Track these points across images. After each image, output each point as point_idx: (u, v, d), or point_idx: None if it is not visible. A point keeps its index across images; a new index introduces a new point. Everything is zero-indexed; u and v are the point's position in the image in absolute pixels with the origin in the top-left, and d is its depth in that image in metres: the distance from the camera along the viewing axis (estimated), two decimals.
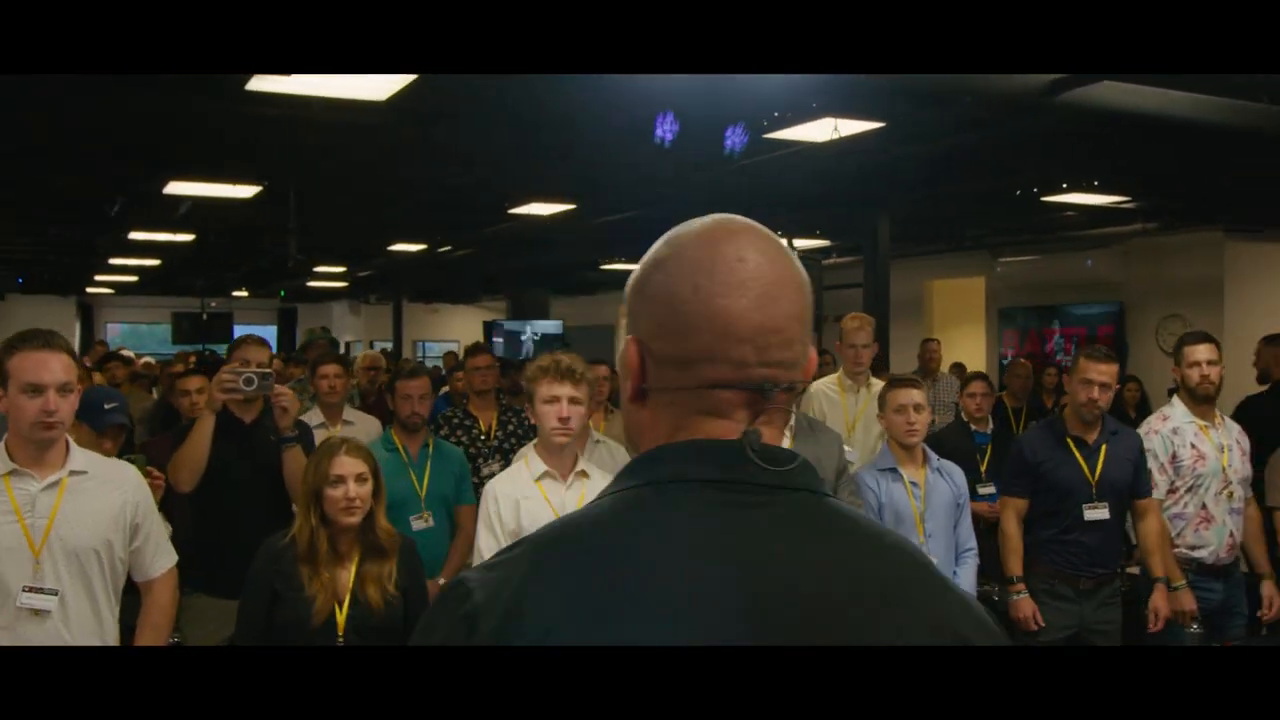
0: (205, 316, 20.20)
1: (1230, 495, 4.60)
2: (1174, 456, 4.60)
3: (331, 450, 3.21)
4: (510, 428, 5.71)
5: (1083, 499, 4.35)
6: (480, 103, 5.37)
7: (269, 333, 22.17)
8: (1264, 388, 6.52)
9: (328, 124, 5.49)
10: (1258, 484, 4.83)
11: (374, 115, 5.19)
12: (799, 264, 1.08)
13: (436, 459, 4.83)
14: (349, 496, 3.14)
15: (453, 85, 4.72)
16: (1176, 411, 4.70)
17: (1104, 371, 4.39)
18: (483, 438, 5.63)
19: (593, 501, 1.04)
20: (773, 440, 1.04)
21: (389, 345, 18.09)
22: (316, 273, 16.15)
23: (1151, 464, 4.57)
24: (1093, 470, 4.38)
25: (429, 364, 13.93)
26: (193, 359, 9.25)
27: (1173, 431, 4.64)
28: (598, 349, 6.79)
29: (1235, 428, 4.81)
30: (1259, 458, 4.89)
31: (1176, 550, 4.54)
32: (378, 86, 4.81)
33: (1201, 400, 4.63)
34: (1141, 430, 4.75)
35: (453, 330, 21.84)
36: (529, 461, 3.65)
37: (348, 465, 3.16)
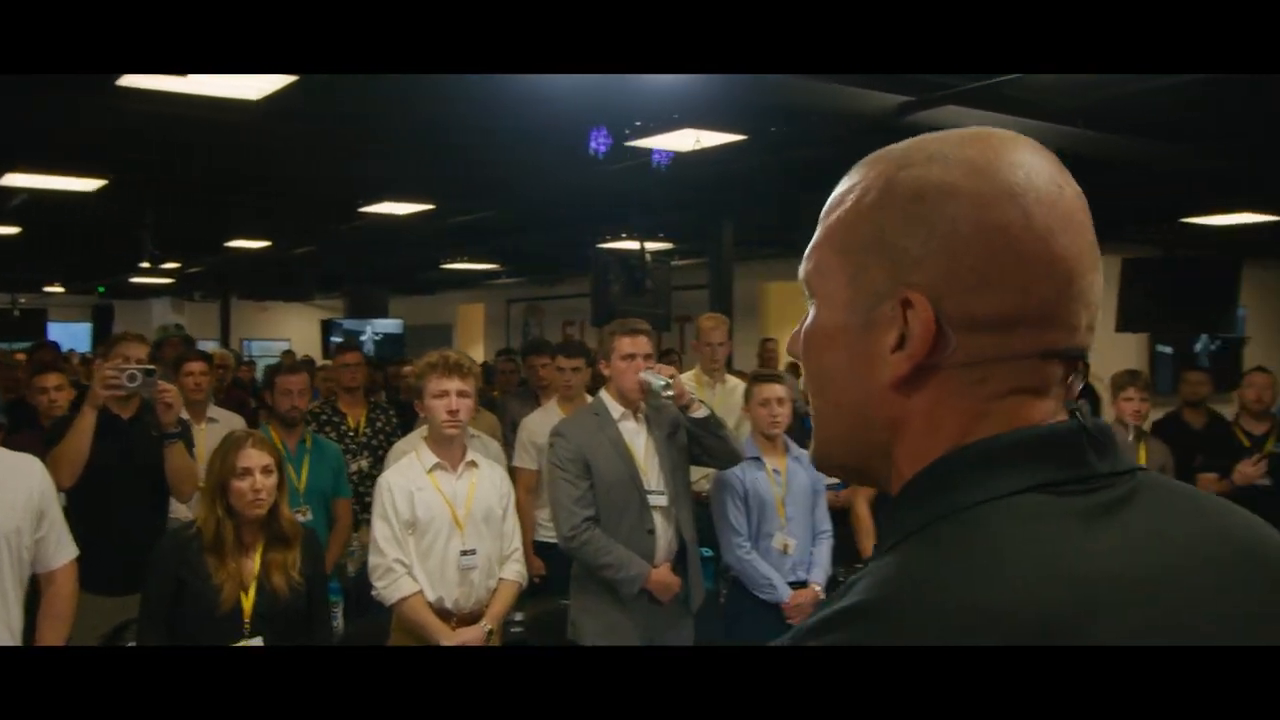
0: (17, 314, 19.19)
1: None
2: None
3: (238, 443, 3.31)
4: (379, 424, 5.82)
5: None
6: (341, 101, 5.46)
7: (83, 330, 21.22)
8: None
9: (190, 120, 5.48)
10: None
11: (240, 114, 5.21)
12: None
13: (315, 454, 4.92)
14: (255, 488, 3.25)
15: (322, 85, 4.80)
16: None
17: None
18: (351, 434, 5.73)
19: (883, 559, 0.73)
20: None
21: (215, 343, 17.60)
22: (140, 268, 15.60)
23: None
24: None
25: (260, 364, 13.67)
26: (20, 355, 8.92)
27: None
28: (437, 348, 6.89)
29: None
30: None
31: None
32: (250, 86, 4.85)
33: None
34: None
35: (286, 329, 21.37)
36: (420, 454, 3.81)
37: (254, 458, 3.27)
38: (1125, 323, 8.90)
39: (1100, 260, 0.80)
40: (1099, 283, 0.79)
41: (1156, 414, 6.27)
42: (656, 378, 3.89)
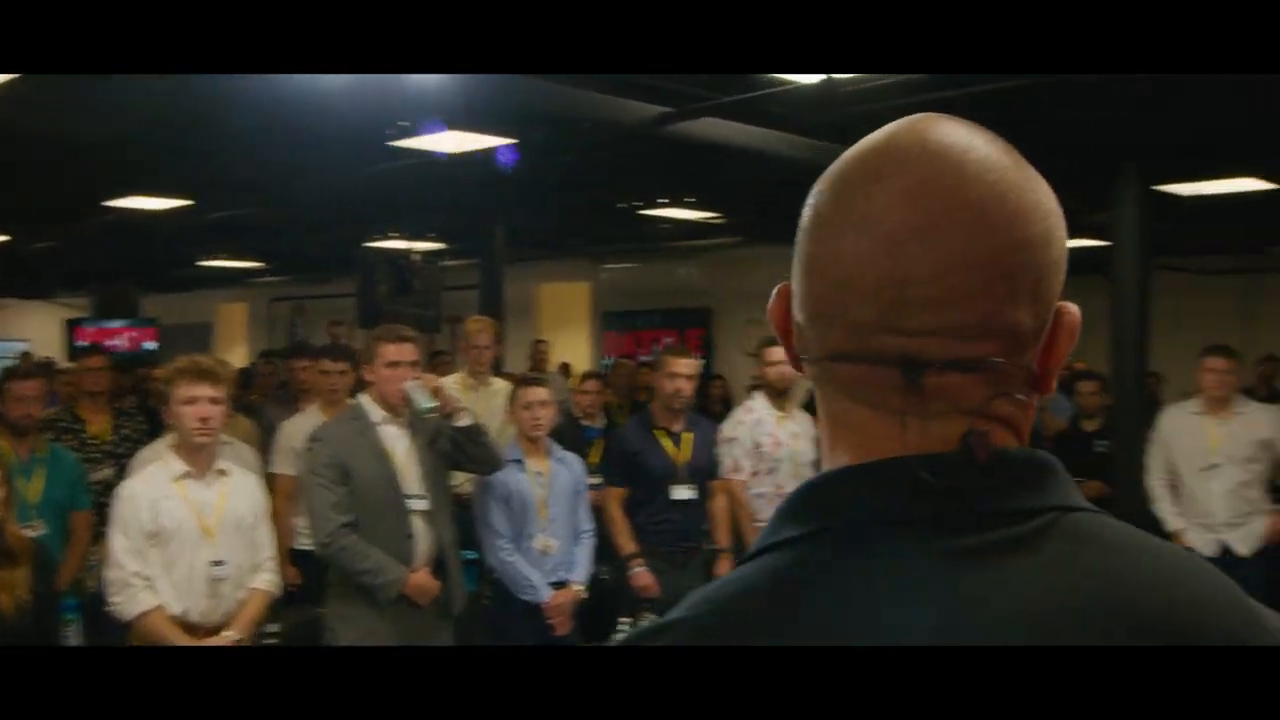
0: None
1: (800, 475, 5.37)
2: (756, 444, 5.30)
3: None
4: (126, 431, 5.52)
5: (671, 481, 4.94)
6: (78, 94, 5.17)
7: None
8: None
9: None
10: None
11: None
12: (1007, 186, 0.71)
13: (51, 464, 4.63)
14: None
15: (60, 80, 4.54)
16: (758, 405, 5.41)
17: (686, 365, 4.99)
18: (93, 441, 5.41)
19: (747, 562, 0.73)
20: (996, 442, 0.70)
21: None
22: None
23: (738, 451, 5.24)
24: (680, 455, 4.98)
25: None
26: None
27: (756, 422, 5.34)
28: (195, 349, 6.62)
29: (806, 417, 5.61)
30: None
31: (757, 524, 5.23)
32: None
33: (779, 394, 5.38)
34: (730, 421, 5.44)
35: (25, 329, 19.89)
36: (167, 461, 3.65)
37: None
38: None
39: (980, 260, 0.69)
40: (954, 282, 0.69)
41: None
42: (422, 398, 3.87)
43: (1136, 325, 5.80)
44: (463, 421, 4.02)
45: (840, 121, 5.40)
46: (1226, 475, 5.25)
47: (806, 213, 0.75)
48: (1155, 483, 5.51)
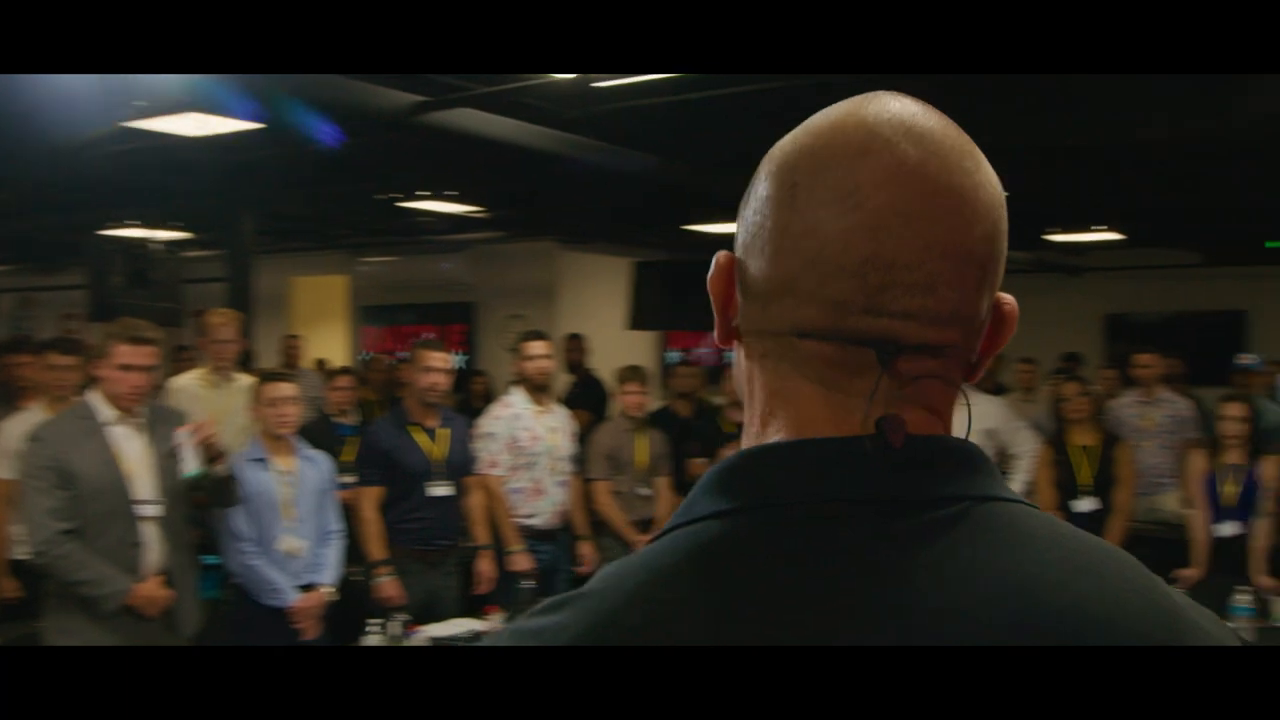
0: None
1: (557, 470, 5.40)
2: (514, 439, 5.28)
3: None
4: None
5: (427, 478, 4.85)
6: None
7: None
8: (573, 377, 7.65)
9: None
10: (579, 459, 5.71)
11: None
12: (982, 179, 0.72)
13: None
14: None
15: None
16: (517, 399, 5.39)
17: (439, 359, 4.91)
18: None
19: (660, 538, 0.71)
20: (923, 430, 0.70)
21: None
22: None
23: (495, 446, 5.20)
24: (436, 451, 4.90)
25: None
26: None
27: (514, 417, 5.32)
28: None
29: (564, 412, 5.64)
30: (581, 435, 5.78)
31: (515, 519, 5.21)
32: None
33: (537, 389, 5.37)
34: (487, 416, 5.40)
35: None
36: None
37: None
38: (635, 321, 9.58)
39: (956, 249, 0.69)
40: (936, 268, 0.68)
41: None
42: (190, 458, 3.70)
43: None
44: (222, 472, 3.88)
45: (596, 116, 5.46)
46: None
47: (772, 183, 0.72)
48: None
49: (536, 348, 5.37)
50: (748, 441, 0.75)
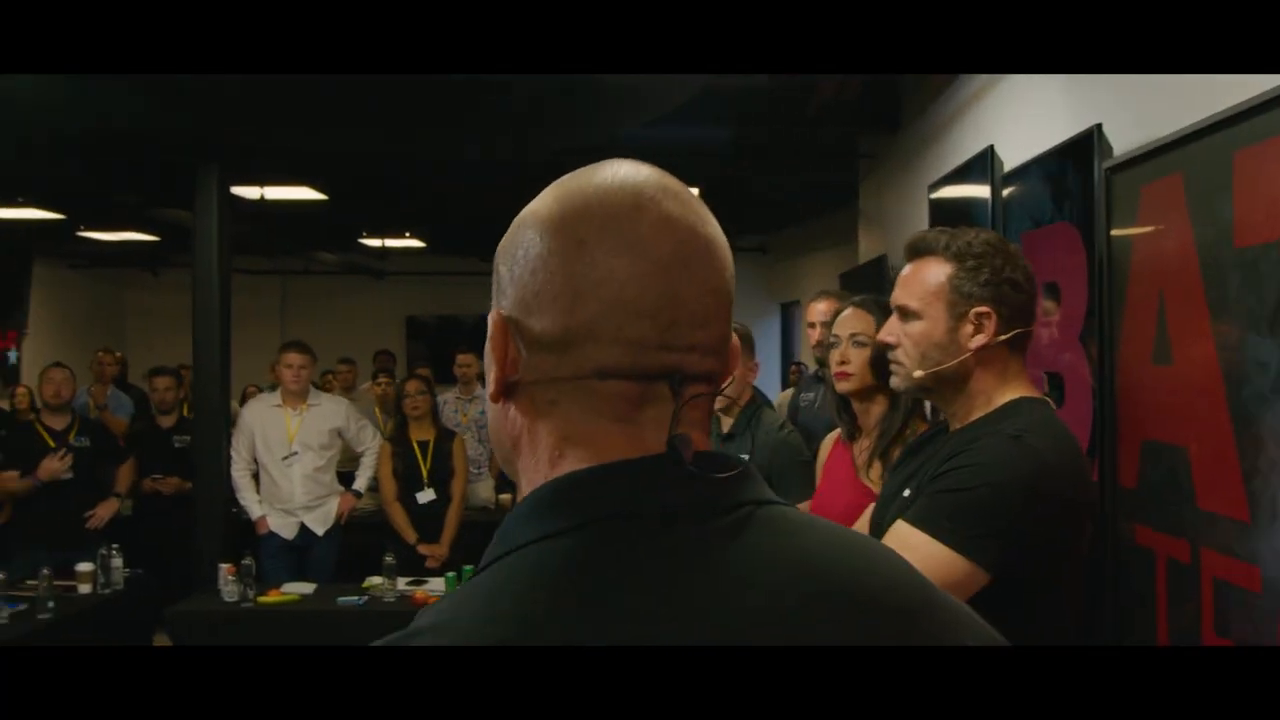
0: None
1: None
2: None
3: None
4: None
5: None
6: None
7: None
8: None
9: None
10: None
11: None
12: (718, 228, 0.84)
13: None
14: None
15: None
16: None
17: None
18: None
19: (482, 571, 0.77)
20: (699, 446, 0.80)
21: None
22: None
23: None
24: None
25: None
26: None
27: None
28: None
29: None
30: None
31: None
32: None
33: None
34: None
35: None
36: None
37: None
38: None
39: (718, 287, 0.80)
40: (707, 305, 0.79)
41: None
42: None
43: (220, 321, 5.96)
44: None
45: None
46: (305, 461, 5.70)
47: (554, 241, 0.78)
48: (237, 472, 5.74)
49: None
50: (537, 482, 0.80)
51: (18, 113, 5.33)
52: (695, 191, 0.84)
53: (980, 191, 3.66)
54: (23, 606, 4.85)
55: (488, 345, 0.82)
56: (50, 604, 4.86)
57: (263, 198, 7.24)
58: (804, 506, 3.12)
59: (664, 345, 0.77)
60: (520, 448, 0.82)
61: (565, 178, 0.83)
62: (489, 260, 0.86)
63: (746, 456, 3.23)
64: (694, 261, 0.79)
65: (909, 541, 1.64)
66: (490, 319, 0.81)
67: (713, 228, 0.82)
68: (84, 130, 5.67)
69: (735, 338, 0.84)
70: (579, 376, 0.78)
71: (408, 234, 10.90)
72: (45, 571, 4.89)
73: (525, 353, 0.79)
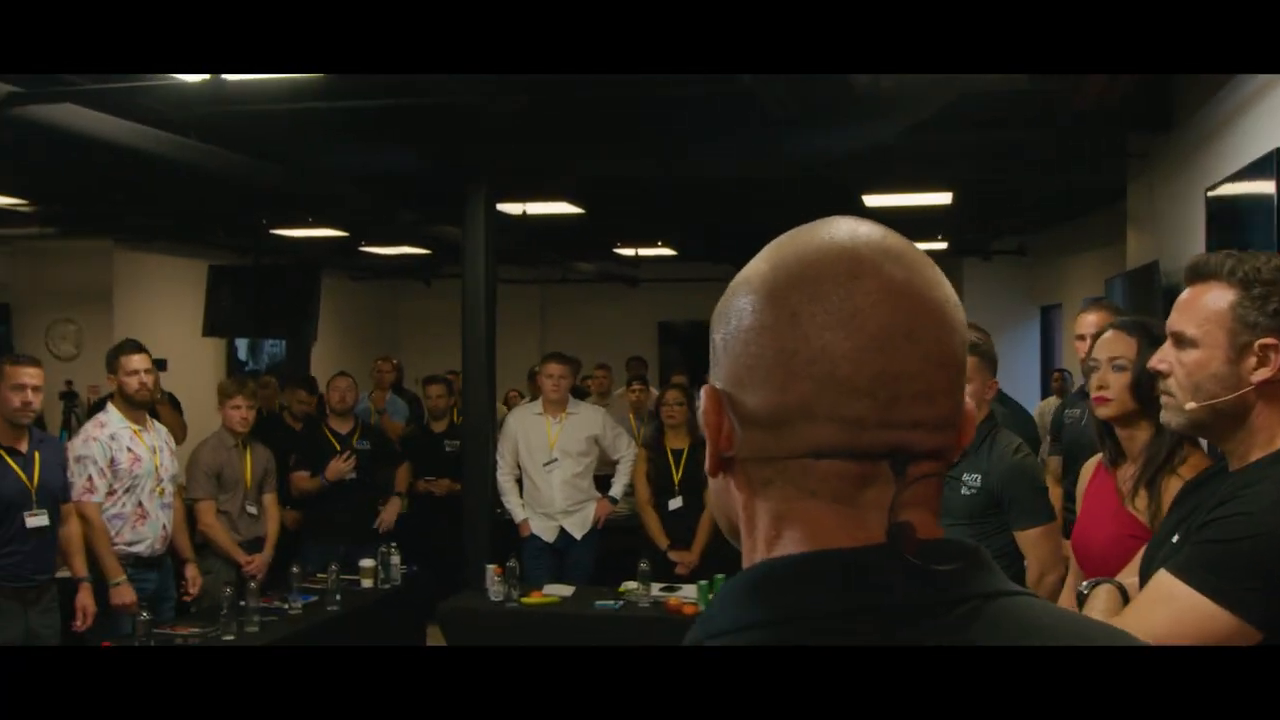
0: None
1: (162, 492, 5.07)
2: (113, 461, 4.88)
3: None
4: None
5: (23, 507, 4.39)
6: None
7: None
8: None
9: None
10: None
11: None
12: (950, 290, 0.78)
13: None
14: None
15: None
16: (113, 418, 5.00)
17: (31, 374, 4.42)
18: None
19: (694, 642, 0.75)
20: (926, 531, 0.74)
21: None
22: None
23: (91, 469, 4.79)
24: (31, 478, 4.46)
25: None
26: None
27: (110, 437, 4.92)
28: None
29: (164, 430, 5.29)
30: None
31: (117, 548, 4.83)
32: None
33: (138, 406, 5.01)
34: (79, 438, 4.96)
35: None
36: None
37: None
38: (211, 328, 9.09)
39: (947, 358, 0.75)
40: (933, 378, 0.74)
41: None
42: None
43: (486, 328, 6.31)
44: None
45: (201, 119, 5.18)
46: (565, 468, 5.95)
47: (766, 312, 0.75)
48: (502, 477, 6.05)
49: (136, 362, 5.01)
50: (754, 562, 0.77)
51: (308, 144, 5.83)
52: (929, 249, 0.83)
53: (1265, 193, 3.41)
54: (314, 598, 5.29)
55: (700, 419, 0.79)
56: (338, 596, 5.27)
57: (524, 213, 7.58)
58: (1040, 531, 3.02)
59: (884, 423, 0.73)
60: (739, 525, 0.80)
61: (783, 237, 0.79)
62: (738, 266, 0.84)
63: (979, 477, 3.15)
64: (918, 332, 0.74)
65: (1171, 593, 1.55)
66: (703, 392, 0.78)
67: (941, 291, 0.76)
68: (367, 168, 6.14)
69: (970, 404, 0.80)
70: (795, 456, 0.74)
71: (659, 243, 11.14)
72: (333, 566, 5.32)
73: (740, 429, 0.76)
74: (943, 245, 10.29)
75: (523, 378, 10.05)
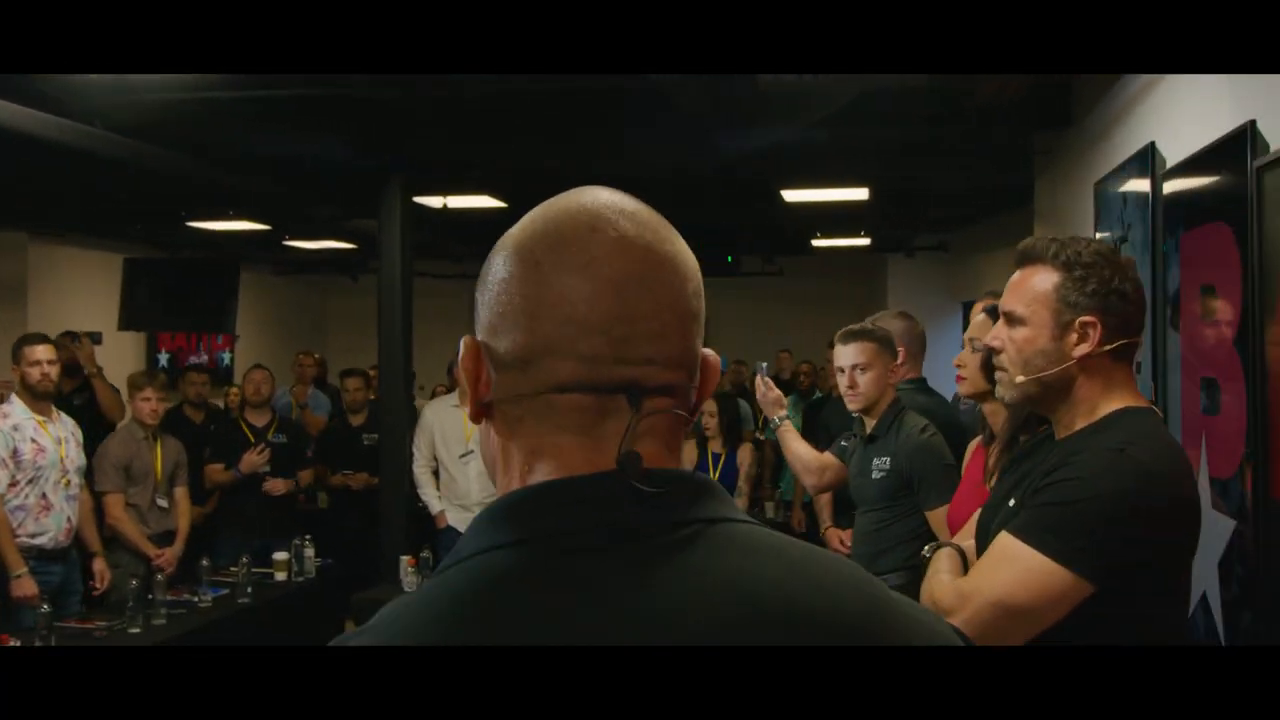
0: None
1: (67, 484, 5.01)
2: (15, 451, 4.82)
3: None
4: None
5: None
6: None
7: None
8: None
9: None
10: (89, 472, 5.33)
11: None
12: (683, 247, 0.86)
13: None
14: None
15: None
16: (16, 409, 4.93)
17: (43, 351, 4.50)
18: None
19: (444, 569, 0.81)
20: (658, 461, 0.81)
21: None
22: None
23: None
24: None
25: None
26: None
27: (14, 428, 4.86)
28: None
29: (70, 422, 5.23)
30: None
31: (19, 540, 4.77)
32: None
33: (41, 396, 4.95)
34: None
35: None
36: None
37: None
38: (127, 321, 8.96)
39: (676, 302, 0.82)
40: (665, 319, 0.81)
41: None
42: None
43: (402, 321, 6.30)
44: None
45: (110, 109, 5.12)
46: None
47: (513, 264, 0.83)
48: (418, 469, 6.06)
49: (39, 351, 4.95)
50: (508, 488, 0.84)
51: (225, 133, 5.78)
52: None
53: (1141, 188, 3.54)
54: (224, 591, 5.26)
55: (458, 368, 0.85)
56: (249, 590, 5.24)
57: (445, 206, 7.56)
58: (947, 509, 3.11)
59: (620, 359, 0.80)
60: (498, 465, 0.86)
61: (537, 206, 0.87)
62: None
63: (888, 459, 3.25)
64: (649, 278, 0.81)
65: (1015, 553, 1.66)
66: (463, 343, 0.85)
67: (673, 246, 0.84)
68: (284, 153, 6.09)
69: (713, 355, 0.87)
70: (540, 392, 0.81)
71: None
72: (244, 559, 5.29)
73: (495, 373, 0.83)
74: (866, 241, 10.45)
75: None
